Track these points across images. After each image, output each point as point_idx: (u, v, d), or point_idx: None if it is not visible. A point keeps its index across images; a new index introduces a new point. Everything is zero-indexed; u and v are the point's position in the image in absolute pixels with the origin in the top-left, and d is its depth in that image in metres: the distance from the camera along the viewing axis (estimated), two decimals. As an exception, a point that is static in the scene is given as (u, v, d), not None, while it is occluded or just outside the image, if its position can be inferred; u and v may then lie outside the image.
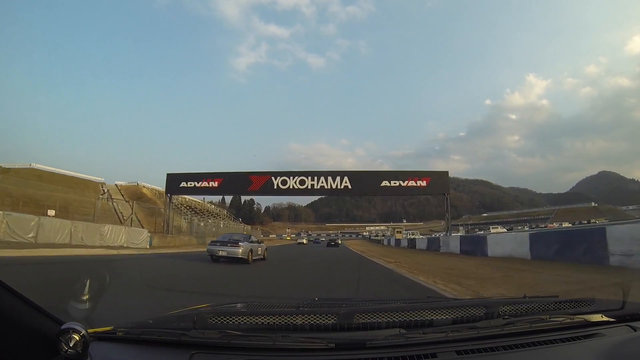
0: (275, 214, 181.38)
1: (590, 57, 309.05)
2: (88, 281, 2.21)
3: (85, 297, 2.08)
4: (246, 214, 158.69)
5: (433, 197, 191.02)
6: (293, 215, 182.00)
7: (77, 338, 1.17)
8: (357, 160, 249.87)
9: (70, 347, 1.16)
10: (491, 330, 1.41)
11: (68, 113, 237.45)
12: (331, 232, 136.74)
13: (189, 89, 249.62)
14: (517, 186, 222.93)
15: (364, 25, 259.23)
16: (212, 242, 15.49)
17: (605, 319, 1.56)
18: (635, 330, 1.50)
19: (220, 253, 14.12)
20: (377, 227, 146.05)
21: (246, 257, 14.07)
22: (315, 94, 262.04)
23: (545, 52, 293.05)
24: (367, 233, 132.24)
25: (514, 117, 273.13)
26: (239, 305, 1.95)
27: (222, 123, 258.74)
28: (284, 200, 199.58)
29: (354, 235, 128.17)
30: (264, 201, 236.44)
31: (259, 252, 16.03)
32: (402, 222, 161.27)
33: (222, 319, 1.41)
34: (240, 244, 14.21)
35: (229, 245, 14.19)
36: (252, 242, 15.58)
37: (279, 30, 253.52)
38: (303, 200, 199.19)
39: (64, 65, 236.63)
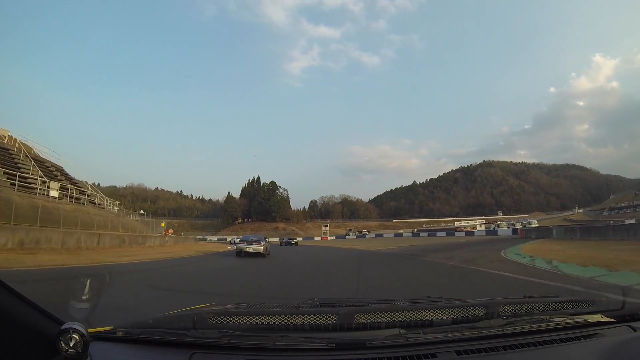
0: (324, 211, 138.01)
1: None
2: (88, 281, 2.17)
3: (85, 297, 2.05)
4: (261, 205, 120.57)
5: (525, 182, 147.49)
6: (348, 212, 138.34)
7: (77, 338, 1.16)
8: (420, 160, 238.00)
9: (70, 347, 1.15)
10: (491, 330, 1.41)
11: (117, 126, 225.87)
12: (401, 230, 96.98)
13: (244, 98, 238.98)
14: (610, 173, 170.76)
15: (415, 18, 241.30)
16: (239, 242, 20.91)
17: (605, 319, 1.57)
18: (635, 331, 1.51)
19: (247, 249, 19.32)
20: (469, 221, 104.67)
21: (264, 253, 19.76)
22: (373, 93, 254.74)
23: (611, 28, 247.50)
24: (507, 226, 76.68)
25: (581, 103, 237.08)
26: (238, 305, 1.93)
27: (280, 129, 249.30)
28: (336, 192, 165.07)
29: (462, 233, 64.02)
30: (308, 194, 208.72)
31: (268, 250, 21.43)
32: (497, 214, 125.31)
33: (222, 318, 1.39)
34: (261, 243, 20.03)
35: (253, 244, 19.76)
36: (266, 242, 21.46)
37: (329, 31, 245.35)
38: (364, 195, 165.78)
39: (122, 84, 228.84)
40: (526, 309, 1.63)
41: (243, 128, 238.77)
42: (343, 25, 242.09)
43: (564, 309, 1.65)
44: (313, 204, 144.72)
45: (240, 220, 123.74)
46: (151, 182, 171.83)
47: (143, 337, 1.34)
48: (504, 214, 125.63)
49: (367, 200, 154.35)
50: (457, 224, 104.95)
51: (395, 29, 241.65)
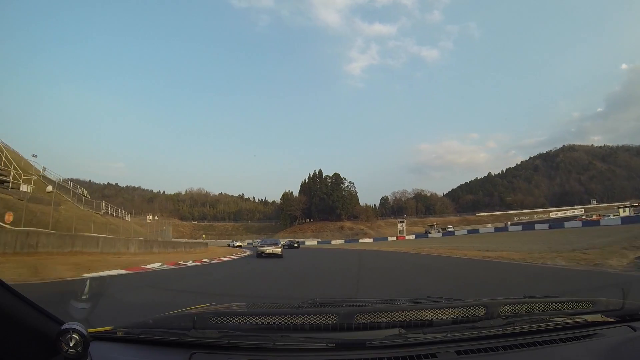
0: (396, 207, 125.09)
1: None
2: (88, 281, 2.15)
3: (85, 297, 2.05)
4: (323, 202, 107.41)
5: (615, 166, 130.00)
6: (423, 207, 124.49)
7: (77, 338, 1.16)
8: (489, 154, 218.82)
9: (70, 347, 1.15)
10: (491, 330, 1.42)
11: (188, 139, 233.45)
12: (489, 225, 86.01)
13: (308, 101, 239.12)
14: None
15: (469, 4, 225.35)
16: (260, 245, 24.91)
17: (605, 319, 1.57)
18: (635, 331, 1.51)
19: (268, 251, 22.55)
20: (565, 212, 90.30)
21: (281, 254, 22.89)
22: (436, 88, 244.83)
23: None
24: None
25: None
26: (239, 305, 1.94)
27: (345, 130, 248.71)
28: (409, 186, 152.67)
29: (615, 221, 41.87)
30: (376, 194, 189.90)
31: (282, 252, 24.36)
32: (590, 203, 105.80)
33: (222, 318, 1.40)
34: (279, 245, 23.94)
35: (272, 246, 23.40)
36: (281, 245, 25.34)
37: (385, 28, 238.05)
38: (439, 188, 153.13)
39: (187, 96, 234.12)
40: (526, 309, 1.63)
41: (309, 130, 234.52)
42: (398, 20, 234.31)
43: (564, 309, 1.64)
44: (384, 200, 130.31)
45: (299, 221, 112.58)
46: (214, 188, 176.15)
47: (143, 337, 1.34)
48: (597, 202, 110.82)
49: (441, 195, 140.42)
50: (552, 214, 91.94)
51: (451, 19, 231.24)
